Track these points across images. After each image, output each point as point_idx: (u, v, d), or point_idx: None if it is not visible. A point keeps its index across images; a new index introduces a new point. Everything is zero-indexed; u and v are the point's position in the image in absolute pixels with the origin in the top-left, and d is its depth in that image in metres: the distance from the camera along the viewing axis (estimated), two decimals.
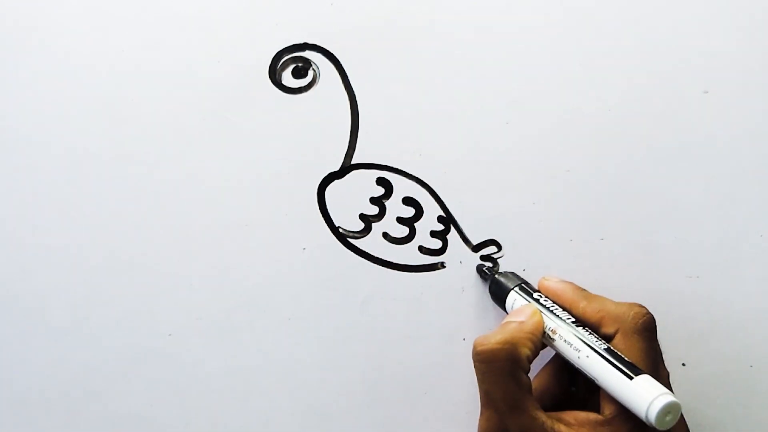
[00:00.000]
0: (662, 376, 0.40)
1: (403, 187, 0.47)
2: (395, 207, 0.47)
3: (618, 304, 0.42)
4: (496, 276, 0.46)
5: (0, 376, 0.47)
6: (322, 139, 0.47)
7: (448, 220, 0.47)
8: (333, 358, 0.47)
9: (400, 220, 0.47)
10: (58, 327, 0.46)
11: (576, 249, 0.47)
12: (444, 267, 0.47)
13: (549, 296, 0.43)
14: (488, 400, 0.39)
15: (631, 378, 0.37)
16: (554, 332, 0.41)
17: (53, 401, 0.46)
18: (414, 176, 0.47)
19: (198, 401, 0.47)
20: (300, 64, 0.47)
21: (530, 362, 0.39)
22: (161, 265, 0.47)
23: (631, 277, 0.47)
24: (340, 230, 0.47)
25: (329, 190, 0.47)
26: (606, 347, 0.39)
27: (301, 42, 0.47)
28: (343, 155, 0.47)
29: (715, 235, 0.48)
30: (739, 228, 0.48)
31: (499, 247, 0.47)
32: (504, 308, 0.45)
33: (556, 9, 0.48)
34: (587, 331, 0.40)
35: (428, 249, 0.47)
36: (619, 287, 0.47)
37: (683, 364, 0.47)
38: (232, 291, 0.47)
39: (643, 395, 0.36)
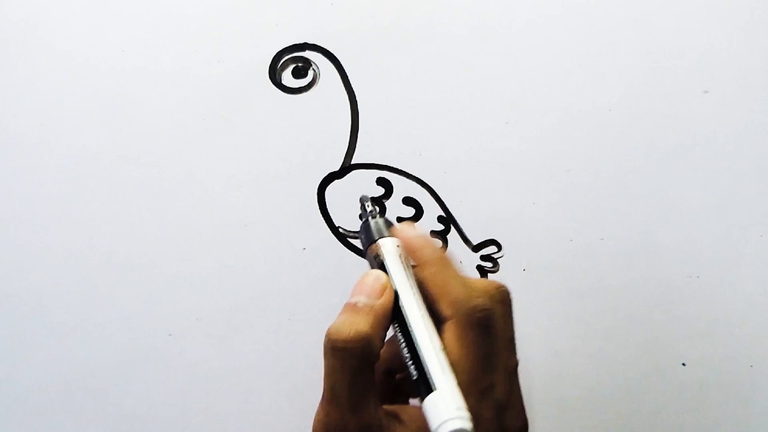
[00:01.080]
0: (497, 371, 0.36)
1: (403, 187, 0.47)
2: (395, 207, 0.47)
3: (467, 285, 0.36)
4: (370, 220, 0.39)
5: (0, 376, 0.47)
6: (322, 139, 0.47)
7: (448, 220, 0.47)
8: None
9: (401, 220, 0.47)
10: (58, 327, 0.46)
11: (576, 249, 0.47)
12: None
13: (405, 248, 0.37)
14: (333, 395, 0.36)
15: (430, 391, 0.33)
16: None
17: (53, 401, 0.46)
18: (414, 176, 0.47)
19: (198, 401, 0.47)
20: (300, 64, 0.47)
21: (380, 350, 0.36)
22: (161, 265, 0.47)
23: (631, 277, 0.47)
24: (340, 230, 0.47)
25: (329, 190, 0.47)
26: (428, 345, 0.34)
27: (301, 42, 0.47)
28: (343, 155, 0.47)
29: (715, 235, 0.48)
30: (739, 228, 0.48)
31: (499, 247, 0.47)
32: (363, 254, 0.39)
33: (555, 9, 0.48)
34: (421, 314, 0.35)
35: None
36: (619, 287, 0.47)
37: (683, 364, 0.47)
38: (232, 291, 0.47)
39: (435, 415, 0.32)
